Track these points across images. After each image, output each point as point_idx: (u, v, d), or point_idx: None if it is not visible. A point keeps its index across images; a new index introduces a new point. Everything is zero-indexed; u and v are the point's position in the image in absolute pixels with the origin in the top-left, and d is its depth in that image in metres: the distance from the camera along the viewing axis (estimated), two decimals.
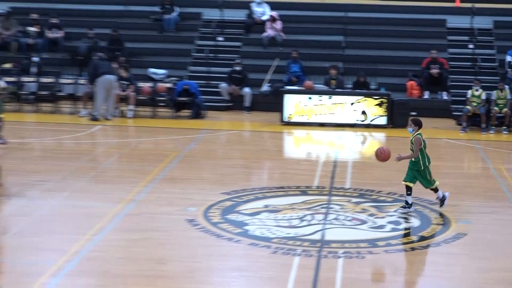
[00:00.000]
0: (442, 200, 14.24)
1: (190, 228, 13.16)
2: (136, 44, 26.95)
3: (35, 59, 24.89)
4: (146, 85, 23.92)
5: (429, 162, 14.01)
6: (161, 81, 24.82)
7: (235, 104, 24.99)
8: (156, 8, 28.09)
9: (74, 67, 25.90)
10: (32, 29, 26.49)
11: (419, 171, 13.95)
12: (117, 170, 17.51)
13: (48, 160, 18.26)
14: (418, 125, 13.97)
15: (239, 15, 28.17)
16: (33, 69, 24.73)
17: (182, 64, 26.39)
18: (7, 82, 23.59)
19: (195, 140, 20.92)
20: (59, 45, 26.50)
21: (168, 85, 24.24)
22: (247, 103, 24.85)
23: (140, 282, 10.91)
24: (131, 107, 23.51)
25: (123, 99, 23.62)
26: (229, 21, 27.95)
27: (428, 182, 14.10)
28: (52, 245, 12.31)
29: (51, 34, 26.54)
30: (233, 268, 12.13)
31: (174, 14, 27.81)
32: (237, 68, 24.90)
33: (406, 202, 13.96)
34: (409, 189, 13.94)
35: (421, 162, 13.89)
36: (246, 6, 28.21)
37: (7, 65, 25.29)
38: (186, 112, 23.68)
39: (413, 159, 13.93)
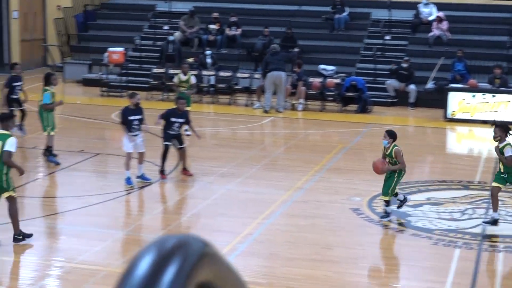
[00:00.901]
0: (402, 201, 12.95)
1: (354, 217, 13.04)
2: (308, 42, 26.97)
3: (208, 52, 25.38)
4: (316, 80, 23.89)
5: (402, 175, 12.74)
6: (330, 76, 24.74)
7: (400, 100, 24.60)
8: (328, 8, 28.02)
9: (250, 62, 26.20)
10: (213, 26, 26.99)
11: (390, 178, 12.60)
12: (286, 160, 17.57)
13: (224, 148, 18.55)
14: (393, 137, 12.67)
15: (406, 15, 27.69)
16: (208, 60, 25.20)
17: (350, 61, 26.21)
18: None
19: (361, 134, 20.73)
20: (236, 42, 26.88)
21: (337, 80, 24.14)
22: (411, 99, 24.40)
23: (306, 265, 10.90)
24: (301, 100, 23.55)
25: (294, 93, 23.70)
26: (397, 21, 27.53)
27: (387, 191, 12.65)
28: (226, 227, 12.50)
29: (230, 31, 26.95)
30: (395, 256, 11.95)
31: (344, 14, 27.66)
32: (404, 65, 24.52)
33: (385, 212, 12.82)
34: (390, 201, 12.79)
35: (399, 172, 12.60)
36: (413, 6, 27.71)
37: (189, 60, 25.89)
38: (353, 107, 23.51)
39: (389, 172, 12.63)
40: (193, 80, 19.77)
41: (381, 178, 12.58)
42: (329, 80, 24.21)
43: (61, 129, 17.87)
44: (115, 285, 1.86)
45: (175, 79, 19.87)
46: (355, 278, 10.66)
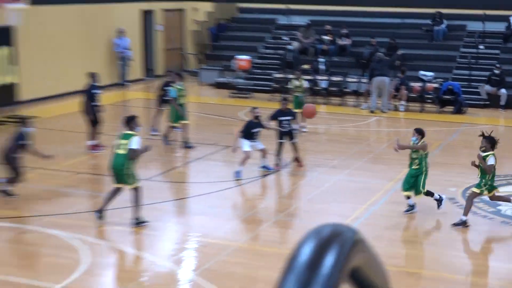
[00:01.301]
0: (439, 201, 12.41)
1: (450, 205, 12.88)
2: (410, 51, 26.61)
3: (322, 59, 25.39)
4: (416, 85, 23.58)
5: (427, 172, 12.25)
6: (429, 81, 24.35)
7: (492, 102, 23.98)
8: (428, 21, 27.58)
9: (358, 68, 26.06)
10: (326, 37, 26.99)
11: (418, 176, 12.20)
12: (389, 154, 17.45)
13: (334, 143, 18.59)
14: (422, 134, 12.41)
15: (499, 27, 26.94)
16: (321, 67, 25.22)
17: (447, 68, 25.71)
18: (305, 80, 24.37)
19: (456, 132, 20.35)
20: (347, 51, 26.79)
21: (435, 85, 23.75)
22: (502, 102, 23.75)
23: (407, 246, 10.88)
24: (403, 102, 23.28)
25: (396, 96, 23.45)
26: (490, 32, 26.82)
27: (419, 189, 12.18)
28: (337, 211, 12.58)
29: (341, 41, 26.88)
30: (485, 241, 11.75)
31: (442, 26, 27.15)
32: (496, 72, 23.89)
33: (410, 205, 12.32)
34: (429, 193, 12.29)
35: (424, 167, 12.23)
36: (505, 19, 26.93)
37: (305, 66, 26.01)
38: (449, 108, 23.08)
39: (414, 167, 12.26)
40: (305, 84, 19.84)
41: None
42: (428, 84, 23.85)
43: (197, 125, 18.33)
44: (283, 267, 1.96)
45: (290, 84, 20.03)
46: (451, 258, 10.57)
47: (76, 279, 9.48)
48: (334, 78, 24.82)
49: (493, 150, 11.71)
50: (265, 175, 14.79)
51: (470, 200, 11.77)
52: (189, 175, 15.44)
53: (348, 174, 15.06)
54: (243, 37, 29.17)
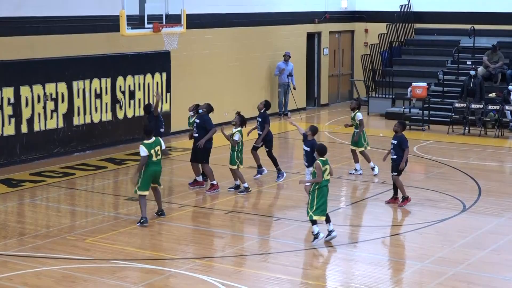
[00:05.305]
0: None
1: None
2: None
3: (511, 87, 24.19)
4: None
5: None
6: None
7: None
8: None
9: None
10: None
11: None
12: None
13: None
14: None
15: None
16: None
17: None
18: (490, 110, 23.30)
19: None
20: None
21: None
22: None
23: None
24: None
25: None
26: None
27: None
28: None
29: None
30: None
31: None
32: None
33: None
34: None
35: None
36: None
37: (492, 95, 24.93)
38: None
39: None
40: (358, 116, 18.21)
41: None
42: None
43: (362, 160, 17.88)
44: None
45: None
46: None
47: None
48: None
49: None
50: (443, 219, 14.07)
51: None
52: (354, 217, 14.99)
53: None
54: (419, 62, 28.52)
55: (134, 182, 13.70)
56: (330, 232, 12.65)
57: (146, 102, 20.74)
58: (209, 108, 16.33)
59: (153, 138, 13.61)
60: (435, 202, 15.45)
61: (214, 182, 16.05)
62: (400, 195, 15.03)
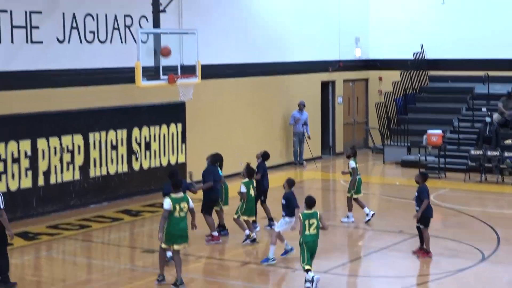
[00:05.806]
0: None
1: None
2: None
3: None
4: None
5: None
6: None
7: None
8: None
9: None
10: None
11: None
12: None
13: None
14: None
15: None
16: None
17: None
18: (507, 157, 23.27)
19: None
20: None
21: None
22: None
23: None
24: None
25: None
26: None
27: None
28: None
29: None
30: None
31: None
32: None
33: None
34: None
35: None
36: None
37: (508, 141, 24.92)
38: None
39: None
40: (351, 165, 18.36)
41: None
42: None
43: (379, 209, 17.87)
44: None
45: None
46: None
47: None
48: None
49: None
50: (462, 269, 14.00)
51: None
52: (370, 268, 14.93)
53: None
54: (434, 109, 28.57)
55: (159, 238, 12.77)
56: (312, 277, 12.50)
57: (170, 168, 20.57)
58: (213, 159, 16.32)
59: (182, 194, 12.82)
60: (454, 251, 15.38)
61: (215, 233, 16.02)
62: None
